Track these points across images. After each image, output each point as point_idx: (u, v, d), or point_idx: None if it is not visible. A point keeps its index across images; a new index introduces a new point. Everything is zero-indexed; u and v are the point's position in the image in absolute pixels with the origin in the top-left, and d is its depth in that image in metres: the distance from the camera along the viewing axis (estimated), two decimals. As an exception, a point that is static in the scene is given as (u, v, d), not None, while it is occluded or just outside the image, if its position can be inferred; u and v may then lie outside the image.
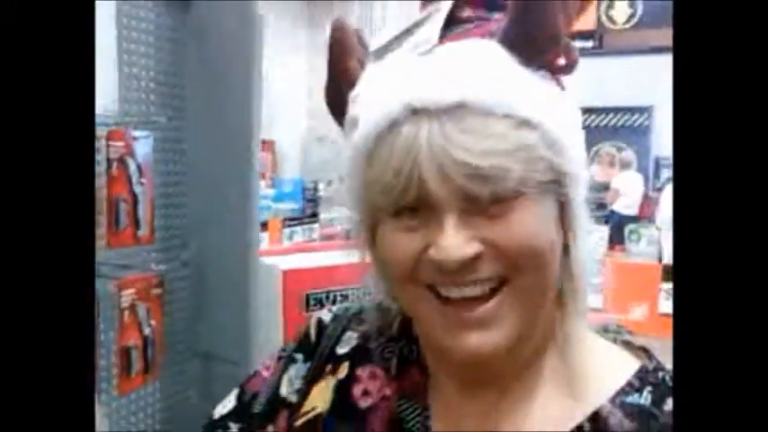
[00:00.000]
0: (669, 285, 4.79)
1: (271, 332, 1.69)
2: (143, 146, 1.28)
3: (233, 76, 1.41)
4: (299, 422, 0.60)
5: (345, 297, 2.08)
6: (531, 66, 0.49)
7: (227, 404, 0.67)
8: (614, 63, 8.83)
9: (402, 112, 0.48)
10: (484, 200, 0.47)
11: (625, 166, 7.70)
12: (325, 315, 0.66)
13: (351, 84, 0.53)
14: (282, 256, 2.02)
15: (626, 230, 5.64)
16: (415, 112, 0.48)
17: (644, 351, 0.57)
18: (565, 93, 0.53)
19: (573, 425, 0.53)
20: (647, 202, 7.31)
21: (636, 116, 8.57)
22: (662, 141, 9.03)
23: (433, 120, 0.47)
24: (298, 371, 0.64)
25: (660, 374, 0.55)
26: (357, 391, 0.59)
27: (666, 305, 4.75)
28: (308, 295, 1.99)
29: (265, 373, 0.66)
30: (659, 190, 6.13)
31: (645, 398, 0.53)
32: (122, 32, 1.30)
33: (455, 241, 0.47)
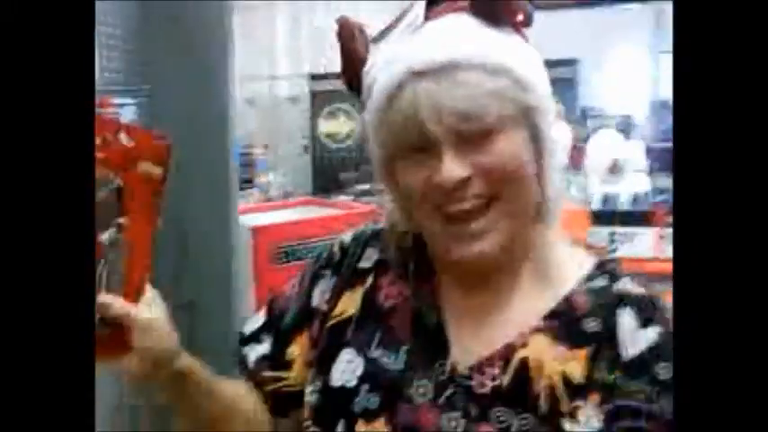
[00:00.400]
0: (596, 228, 5.13)
1: (246, 283, 1.83)
2: (127, 113, 1.37)
3: (204, 38, 1.51)
4: (331, 323, 0.76)
5: (311, 249, 2.23)
6: (497, 25, 0.66)
7: (258, 321, 0.82)
8: (539, 18, 9.12)
9: (406, 74, 0.65)
10: (471, 135, 0.64)
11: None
12: (346, 236, 0.82)
13: (359, 63, 0.69)
14: (245, 215, 2.15)
15: (557, 178, 5.97)
16: (415, 74, 0.64)
17: (600, 249, 0.76)
18: (527, 43, 0.69)
19: (548, 308, 0.71)
20: (575, 152, 7.70)
21: (561, 69, 8.93)
22: (587, 92, 9.48)
23: (428, 78, 0.65)
24: (327, 284, 0.79)
25: (611, 264, 0.74)
26: (381, 295, 0.76)
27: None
28: (275, 249, 2.14)
29: (292, 292, 0.81)
30: (586, 140, 6.48)
31: (602, 280, 0.72)
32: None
33: (451, 166, 0.65)
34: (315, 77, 10.74)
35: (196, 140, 1.53)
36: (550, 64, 0.71)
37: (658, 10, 9.17)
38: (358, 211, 2.66)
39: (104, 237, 0.65)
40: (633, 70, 9.93)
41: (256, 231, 1.93)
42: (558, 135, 0.72)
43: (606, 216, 5.60)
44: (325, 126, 10.51)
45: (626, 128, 7.72)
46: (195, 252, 1.62)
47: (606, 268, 0.73)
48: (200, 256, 1.62)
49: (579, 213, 5.42)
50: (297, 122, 10.61)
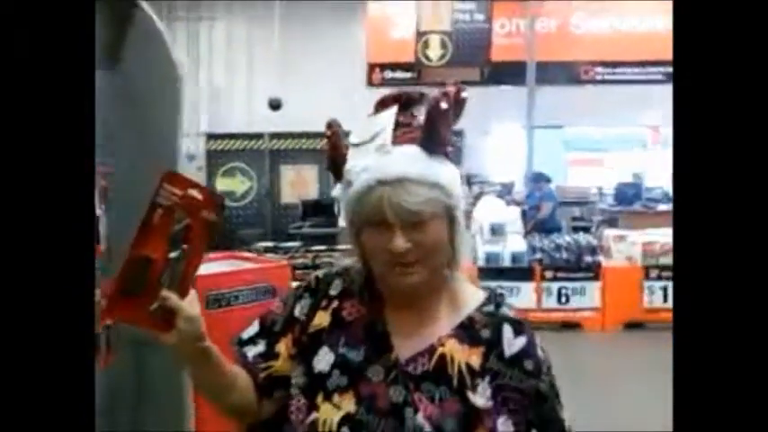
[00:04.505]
0: (483, 282, 5.64)
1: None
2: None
3: (157, 108, 1.77)
4: (311, 331, 1.06)
5: (236, 296, 2.46)
6: (435, 153, 1.02)
7: (252, 329, 1.12)
8: (429, 93, 9.95)
9: (375, 180, 1.00)
10: (412, 222, 1.00)
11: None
12: (320, 273, 1.14)
13: (342, 158, 1.04)
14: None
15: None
16: (380, 182, 1.00)
17: (488, 289, 1.11)
18: (452, 165, 1.04)
19: (457, 323, 1.07)
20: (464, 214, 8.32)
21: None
22: (470, 162, 10.33)
23: (389, 185, 1.00)
24: (306, 303, 1.10)
25: (497, 297, 1.12)
26: (345, 312, 1.08)
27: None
28: (207, 296, 2.36)
29: (278, 311, 1.10)
30: (474, 203, 7.09)
31: (491, 306, 1.10)
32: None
33: (399, 241, 1.00)
34: (211, 137, 10.92)
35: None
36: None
37: (531, 90, 10.27)
38: (274, 265, 2.94)
39: (173, 255, 0.93)
40: (510, 143, 10.92)
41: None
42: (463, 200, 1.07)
43: (492, 272, 6.19)
44: (221, 184, 10.59)
45: (505, 194, 8.42)
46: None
47: (493, 299, 1.09)
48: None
49: (469, 268, 5.94)
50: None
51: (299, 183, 10.84)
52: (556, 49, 10.71)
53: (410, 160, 0.99)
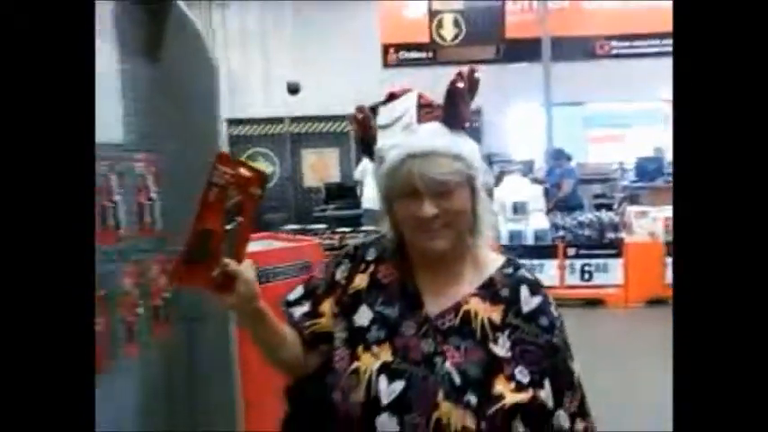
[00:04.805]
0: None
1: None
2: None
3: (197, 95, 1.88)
4: (351, 292, 1.19)
5: (275, 273, 2.58)
6: (456, 128, 1.10)
7: (297, 292, 1.24)
8: (445, 72, 9.97)
9: (405, 155, 1.10)
10: (439, 191, 1.10)
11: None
12: (357, 242, 1.26)
13: (373, 140, 1.15)
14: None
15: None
16: (410, 155, 1.10)
17: (507, 255, 1.21)
18: (471, 140, 1.13)
19: (480, 283, 1.17)
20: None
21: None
22: (490, 141, 10.35)
23: (417, 158, 1.11)
24: (345, 268, 1.22)
25: (515, 261, 1.22)
26: (380, 276, 1.20)
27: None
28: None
29: (320, 275, 1.22)
30: (497, 183, 7.14)
31: (510, 269, 1.20)
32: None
33: (428, 208, 1.10)
34: (232, 122, 11.03)
35: (195, 179, 1.87)
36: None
37: (547, 67, 10.23)
38: (308, 243, 3.07)
39: (229, 227, 1.05)
40: (529, 121, 10.92)
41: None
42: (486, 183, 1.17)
43: (515, 250, 6.26)
44: (244, 169, 10.66)
45: (527, 172, 8.43)
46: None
47: (512, 263, 1.21)
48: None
49: (493, 247, 6.00)
50: (216, 166, 10.67)
51: (321, 166, 10.94)
52: (570, 24, 10.66)
53: (435, 135, 1.11)
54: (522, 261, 1.21)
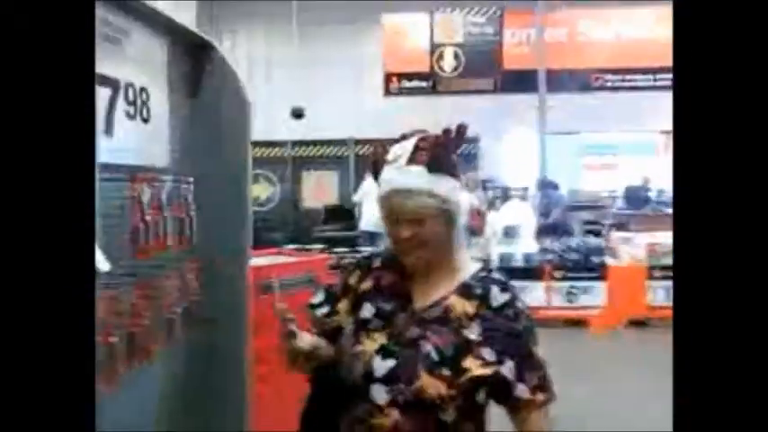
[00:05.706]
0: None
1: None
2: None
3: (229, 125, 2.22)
4: (359, 292, 1.51)
5: (293, 284, 2.90)
6: (437, 172, 1.43)
7: (319, 296, 1.58)
8: (446, 101, 10.52)
9: (390, 190, 1.44)
10: (414, 220, 1.42)
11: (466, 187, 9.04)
12: (365, 254, 1.59)
13: (381, 168, 1.47)
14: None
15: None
16: (394, 191, 1.43)
17: (484, 261, 1.54)
18: (453, 180, 1.47)
19: (458, 284, 1.49)
20: (476, 217, 8.72)
21: (465, 145, 10.09)
22: (486, 168, 10.71)
23: (401, 193, 1.42)
24: (356, 274, 1.56)
25: (489, 266, 1.54)
26: (382, 280, 1.53)
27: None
28: (259, 284, 2.79)
29: (337, 282, 1.56)
30: (490, 208, 7.47)
31: (484, 273, 1.50)
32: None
33: (404, 232, 1.43)
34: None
35: (224, 198, 2.21)
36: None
37: (542, 98, 10.59)
38: (314, 258, 3.40)
39: None
40: (524, 149, 11.23)
41: (252, 270, 2.58)
42: (463, 205, 1.48)
43: (503, 271, 6.48)
44: (247, 190, 10.98)
45: (523, 198, 8.76)
46: (215, 279, 2.25)
47: (486, 268, 1.50)
48: (219, 283, 2.25)
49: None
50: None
51: (320, 188, 11.32)
52: (566, 57, 11.07)
53: (415, 177, 1.41)
54: (511, 282, 1.50)
